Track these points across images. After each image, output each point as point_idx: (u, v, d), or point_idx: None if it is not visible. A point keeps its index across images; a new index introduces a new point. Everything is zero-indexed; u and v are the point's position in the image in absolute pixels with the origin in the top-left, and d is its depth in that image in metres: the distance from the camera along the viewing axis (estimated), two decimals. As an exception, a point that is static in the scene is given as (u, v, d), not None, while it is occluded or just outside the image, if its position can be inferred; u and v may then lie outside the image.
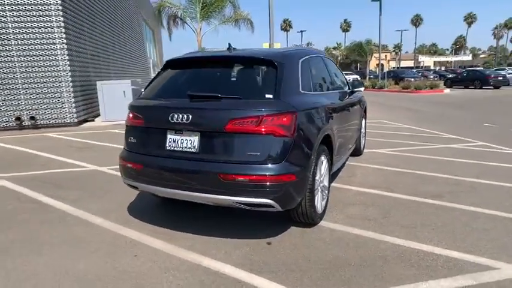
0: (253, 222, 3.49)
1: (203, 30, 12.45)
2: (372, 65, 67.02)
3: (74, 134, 9.28)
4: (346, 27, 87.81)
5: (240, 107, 2.80)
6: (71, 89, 10.45)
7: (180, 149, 2.95)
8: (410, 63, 74.62)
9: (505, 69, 32.00)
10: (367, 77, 36.80)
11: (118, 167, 3.44)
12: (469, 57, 62.19)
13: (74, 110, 10.57)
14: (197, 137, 2.88)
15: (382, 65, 74.52)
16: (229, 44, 3.58)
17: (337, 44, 67.13)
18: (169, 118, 2.93)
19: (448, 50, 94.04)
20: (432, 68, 65.39)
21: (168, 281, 2.55)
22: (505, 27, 77.96)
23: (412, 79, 28.69)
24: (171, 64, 3.53)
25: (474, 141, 7.30)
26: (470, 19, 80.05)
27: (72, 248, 3.08)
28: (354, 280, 2.51)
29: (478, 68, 33.46)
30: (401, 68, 58.97)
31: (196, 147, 2.88)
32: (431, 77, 30.91)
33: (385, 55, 71.82)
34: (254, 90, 2.98)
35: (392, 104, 16.96)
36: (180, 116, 2.89)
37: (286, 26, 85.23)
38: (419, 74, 32.41)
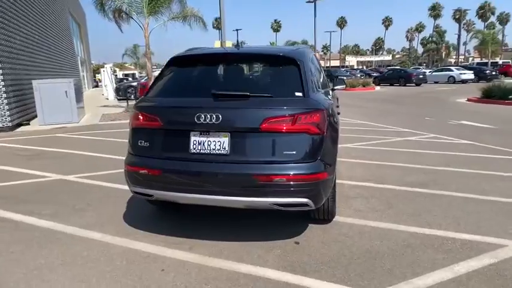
0: (266, 223, 3.41)
1: (151, 26, 11.80)
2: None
3: (12, 140, 8.16)
4: (276, 27, 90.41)
5: (274, 106, 2.71)
6: (2, 89, 9.16)
7: (208, 151, 2.75)
8: (337, 63, 79.68)
9: (420, 68, 35.86)
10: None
11: (87, 174, 3.09)
12: (389, 57, 68.43)
13: (7, 112, 9.29)
14: (227, 138, 2.72)
15: (312, 64, 78.44)
16: (237, 41, 3.45)
17: (271, 43, 68.66)
18: (195, 119, 2.72)
19: (368, 50, 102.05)
20: (356, 67, 70.52)
21: (214, 293, 2.38)
22: (416, 30, 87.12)
23: (345, 77, 30.63)
24: (179, 61, 3.29)
25: (426, 134, 8.05)
26: (387, 22, 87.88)
27: (81, 269, 2.70)
28: (396, 270, 2.60)
29: (401, 67, 36.95)
30: (331, 67, 62.58)
31: (226, 149, 2.71)
32: (359, 75, 33.32)
33: (314, 55, 75.61)
34: (281, 88, 2.90)
35: (335, 101, 17.94)
36: (208, 116, 2.70)
37: (218, 24, 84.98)
38: (348, 73, 34.73)
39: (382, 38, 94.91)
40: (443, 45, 70.22)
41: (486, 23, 70.47)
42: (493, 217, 3.49)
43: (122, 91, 19.51)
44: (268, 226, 3.36)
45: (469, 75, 28.93)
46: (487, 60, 37.74)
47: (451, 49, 73.44)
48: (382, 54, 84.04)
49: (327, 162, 2.81)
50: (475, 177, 4.76)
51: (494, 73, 29.73)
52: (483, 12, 68.58)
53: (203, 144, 2.76)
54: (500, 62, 36.48)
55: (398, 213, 3.60)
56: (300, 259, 2.78)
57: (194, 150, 2.78)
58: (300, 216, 3.44)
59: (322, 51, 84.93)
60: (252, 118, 2.69)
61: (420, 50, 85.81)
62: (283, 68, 3.03)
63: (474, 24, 77.98)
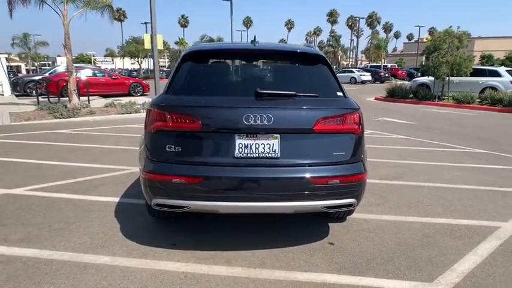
0: (288, 227, 3.33)
1: (70, 14, 10.32)
2: (213, 61, 69.98)
3: None
4: (184, 22, 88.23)
5: (324, 106, 2.64)
6: None
7: (256, 155, 2.54)
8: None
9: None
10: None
11: (38, 186, 2.62)
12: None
13: None
14: (277, 140, 2.55)
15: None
16: (254, 37, 3.25)
17: (180, 39, 66.45)
18: (244, 120, 2.49)
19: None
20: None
21: (288, 306, 2.22)
22: (314, 34, 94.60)
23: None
24: (202, 55, 2.99)
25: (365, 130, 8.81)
26: (290, 25, 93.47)
27: (115, 302, 2.25)
28: (433, 259, 2.80)
29: None
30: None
31: (277, 152, 2.54)
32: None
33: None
34: (322, 88, 2.82)
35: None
36: (258, 117, 2.49)
37: (120, 15, 78.97)
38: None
39: (285, 40, 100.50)
40: (339, 49, 77.73)
41: (372, 31, 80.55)
42: (472, 203, 4.01)
43: (21, 86, 16.73)
44: (291, 230, 3.28)
45: (368, 76, 32.66)
46: (378, 64, 43.21)
47: (346, 53, 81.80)
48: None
49: (364, 162, 2.86)
50: (434, 169, 5.40)
51: (386, 75, 34.15)
52: (371, 20, 78.02)
53: (250, 148, 2.54)
54: (389, 65, 42.08)
55: (397, 206, 3.87)
56: (347, 259, 2.78)
57: (240, 155, 2.53)
58: (317, 216, 3.45)
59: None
60: (304, 118, 2.58)
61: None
62: (314, 66, 2.96)
63: (363, 31, 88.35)
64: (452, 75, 15.61)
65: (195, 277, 2.53)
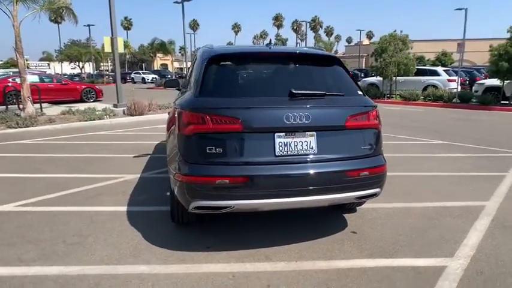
0: (307, 222, 3.48)
1: (21, 15, 9.50)
2: (156, 65, 68.15)
3: None
4: (127, 25, 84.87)
5: (352, 104, 2.84)
6: None
7: (295, 152, 2.66)
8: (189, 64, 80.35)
9: None
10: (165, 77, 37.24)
11: (31, 201, 2.63)
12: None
13: None
14: (313, 138, 2.70)
15: (166, 65, 76.81)
16: (270, 40, 3.37)
17: (124, 42, 64.05)
18: (284, 119, 2.60)
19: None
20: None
21: (343, 292, 2.37)
22: (261, 37, 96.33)
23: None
24: (226, 58, 3.06)
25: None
26: (236, 28, 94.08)
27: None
28: (446, 237, 3.13)
29: None
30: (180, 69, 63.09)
31: (314, 148, 2.69)
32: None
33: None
34: (344, 87, 3.00)
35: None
36: (298, 116, 2.62)
37: (57, 17, 73.78)
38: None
39: (232, 43, 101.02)
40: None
41: (314, 34, 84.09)
42: (455, 187, 4.49)
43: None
44: (314, 224, 3.43)
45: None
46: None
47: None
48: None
49: (383, 154, 3.11)
50: (411, 160, 5.91)
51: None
52: (315, 24, 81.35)
53: (289, 146, 2.66)
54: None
55: (396, 194, 4.20)
56: (374, 245, 3.00)
57: (280, 153, 2.64)
58: (331, 209, 3.64)
59: (180, 52, 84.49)
60: (336, 116, 2.75)
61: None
62: (331, 67, 3.14)
63: (306, 34, 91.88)
64: (398, 75, 16.98)
65: (244, 276, 2.57)
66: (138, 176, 4.95)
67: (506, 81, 14.00)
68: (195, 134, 2.63)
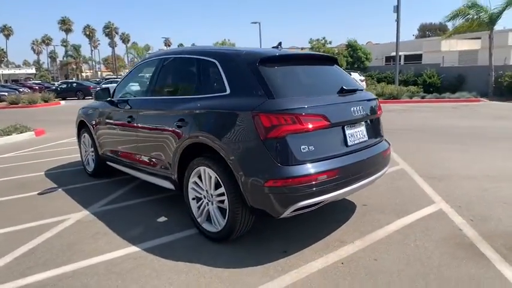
0: (324, 220, 3.84)
1: None
2: None
3: None
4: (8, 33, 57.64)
5: (373, 97, 3.39)
6: None
7: (358, 141, 3.03)
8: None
9: (96, 81, 35.90)
10: None
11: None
12: (33, 70, 61.56)
13: None
14: (363, 127, 3.12)
15: None
16: (280, 43, 3.50)
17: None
18: (352, 113, 2.92)
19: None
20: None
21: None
22: (43, 43, 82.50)
23: (6, 94, 25.20)
24: (278, 60, 3.07)
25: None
26: (7, 31, 76.83)
27: None
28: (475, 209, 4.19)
29: (78, 81, 34.77)
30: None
31: (365, 136, 3.12)
32: (22, 90, 28.41)
33: None
34: (356, 83, 3.51)
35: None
36: (358, 108, 2.99)
37: None
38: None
39: (3, 49, 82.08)
40: (81, 59, 71.78)
41: (110, 41, 79.20)
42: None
43: None
44: (326, 215, 3.81)
45: (137, 86, 32.52)
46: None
47: (88, 63, 76.59)
48: (10, 66, 73.26)
49: None
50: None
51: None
52: (109, 31, 76.22)
53: (353, 136, 3.00)
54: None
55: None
56: (378, 217, 3.71)
57: (350, 143, 2.95)
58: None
59: None
60: (373, 107, 3.27)
61: (54, 63, 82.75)
62: (339, 67, 3.59)
63: (99, 41, 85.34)
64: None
65: (351, 260, 2.77)
66: (87, 212, 3.91)
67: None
68: (288, 134, 2.59)
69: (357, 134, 3.06)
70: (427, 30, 62.74)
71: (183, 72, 3.78)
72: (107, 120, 4.63)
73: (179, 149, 3.26)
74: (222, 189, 2.92)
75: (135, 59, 43.91)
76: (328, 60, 3.55)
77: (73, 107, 20.35)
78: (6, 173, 5.73)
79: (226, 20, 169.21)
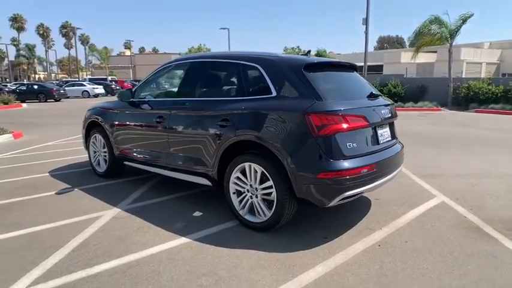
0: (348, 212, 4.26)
1: None
2: None
3: None
4: None
5: (392, 103, 3.85)
6: None
7: (385, 140, 3.48)
8: None
9: (53, 83, 34.10)
10: None
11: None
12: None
13: None
14: (388, 128, 3.57)
15: None
16: (309, 51, 3.87)
17: None
18: (381, 115, 3.40)
19: None
20: None
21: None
22: (-8, 41, 76.90)
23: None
24: (319, 67, 3.44)
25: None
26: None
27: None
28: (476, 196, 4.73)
29: (40, 83, 32.74)
30: None
31: (389, 136, 3.57)
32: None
33: None
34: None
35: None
36: (384, 112, 3.46)
37: None
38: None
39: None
40: (35, 60, 67.76)
41: (67, 41, 75.76)
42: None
43: None
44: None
45: (101, 89, 31.60)
46: (102, 76, 42.27)
47: (43, 64, 72.45)
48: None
49: None
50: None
51: (118, 87, 34.29)
52: (66, 31, 72.87)
53: (382, 135, 3.45)
54: (110, 78, 41.79)
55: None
56: (384, 209, 4.19)
57: (381, 141, 3.38)
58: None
59: None
60: (393, 112, 3.72)
61: (1, 63, 77.27)
62: (357, 74, 4.03)
63: (54, 41, 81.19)
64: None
65: (385, 243, 3.18)
66: (117, 209, 4.01)
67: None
68: (337, 132, 2.97)
69: (384, 134, 3.51)
70: (385, 43, 66.84)
71: (223, 76, 4.04)
72: (129, 121, 4.71)
73: (222, 146, 3.50)
74: (268, 183, 3.21)
75: (104, 63, 42.55)
76: (351, 67, 3.96)
77: (39, 110, 19.45)
78: (8, 174, 5.57)
79: (194, 26, 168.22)
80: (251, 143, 3.35)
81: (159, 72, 4.69)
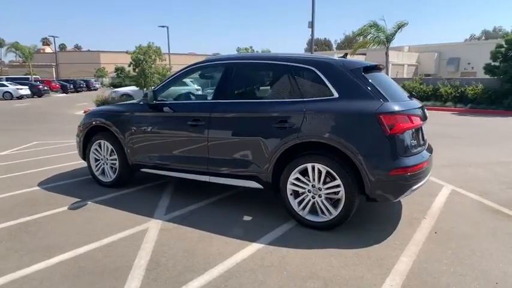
0: (383, 208, 4.52)
1: None
2: None
3: None
4: None
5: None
6: None
7: (425, 138, 3.79)
8: None
9: None
10: None
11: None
12: None
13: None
14: (423, 127, 3.88)
15: None
16: (346, 54, 4.02)
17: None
18: (425, 114, 3.68)
19: None
20: None
21: (471, 214, 3.90)
22: None
23: None
24: (372, 68, 3.70)
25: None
26: None
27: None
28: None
29: None
30: None
31: (424, 135, 3.87)
32: None
33: None
34: None
35: None
36: (425, 112, 3.75)
37: None
38: None
39: None
40: None
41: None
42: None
43: None
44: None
45: (26, 90, 28.20)
46: (24, 76, 37.55)
47: None
48: None
49: None
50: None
51: (46, 88, 30.93)
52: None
53: (422, 134, 3.75)
54: (33, 77, 37.17)
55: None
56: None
57: (422, 140, 3.68)
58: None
59: None
60: (426, 112, 3.99)
61: None
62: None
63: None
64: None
65: (437, 229, 3.50)
66: (159, 221, 3.75)
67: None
68: (405, 131, 3.19)
69: (424, 133, 3.83)
70: (314, 45, 70.60)
71: (271, 77, 3.99)
72: (152, 125, 4.38)
73: (280, 149, 3.49)
74: (335, 182, 3.31)
75: (27, 61, 37.87)
76: (381, 68, 4.23)
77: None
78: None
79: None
80: (311, 144, 3.41)
81: (186, 73, 4.43)
